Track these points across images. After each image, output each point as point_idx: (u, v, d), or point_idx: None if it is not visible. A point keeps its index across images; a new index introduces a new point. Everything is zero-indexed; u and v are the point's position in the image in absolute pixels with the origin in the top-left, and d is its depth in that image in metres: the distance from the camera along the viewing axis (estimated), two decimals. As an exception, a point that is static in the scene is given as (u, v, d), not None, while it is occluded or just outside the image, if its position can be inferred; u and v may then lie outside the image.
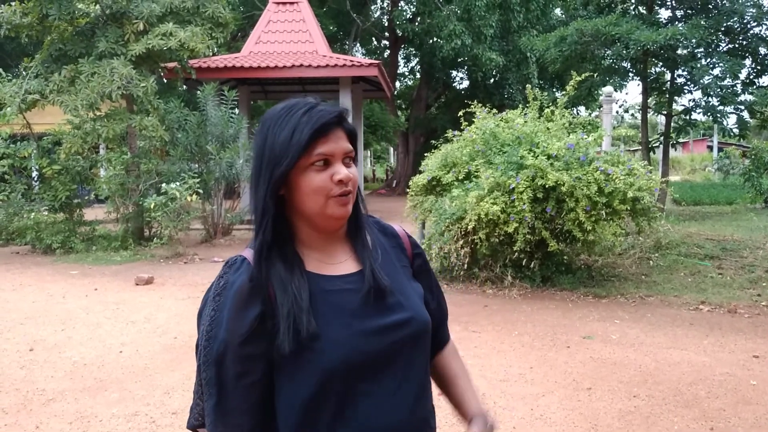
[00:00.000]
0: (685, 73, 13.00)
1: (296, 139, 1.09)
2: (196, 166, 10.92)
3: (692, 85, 12.97)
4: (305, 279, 1.12)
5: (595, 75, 13.28)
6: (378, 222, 1.32)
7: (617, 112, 18.05)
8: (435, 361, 1.35)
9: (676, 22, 12.90)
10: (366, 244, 1.21)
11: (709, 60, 12.65)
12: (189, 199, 9.64)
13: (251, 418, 1.12)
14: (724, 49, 13.07)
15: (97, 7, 9.97)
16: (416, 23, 22.62)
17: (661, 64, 13.91)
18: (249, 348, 1.09)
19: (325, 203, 1.11)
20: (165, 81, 13.74)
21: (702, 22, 11.85)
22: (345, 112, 1.15)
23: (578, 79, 7.65)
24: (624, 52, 12.28)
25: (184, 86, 15.34)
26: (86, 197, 11.13)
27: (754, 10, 12.47)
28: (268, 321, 1.09)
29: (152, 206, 9.25)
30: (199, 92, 11.08)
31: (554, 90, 24.34)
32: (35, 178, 11.40)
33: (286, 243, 1.14)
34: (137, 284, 7.42)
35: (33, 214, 10.22)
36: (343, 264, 1.19)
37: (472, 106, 7.73)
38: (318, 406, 1.10)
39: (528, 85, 8.37)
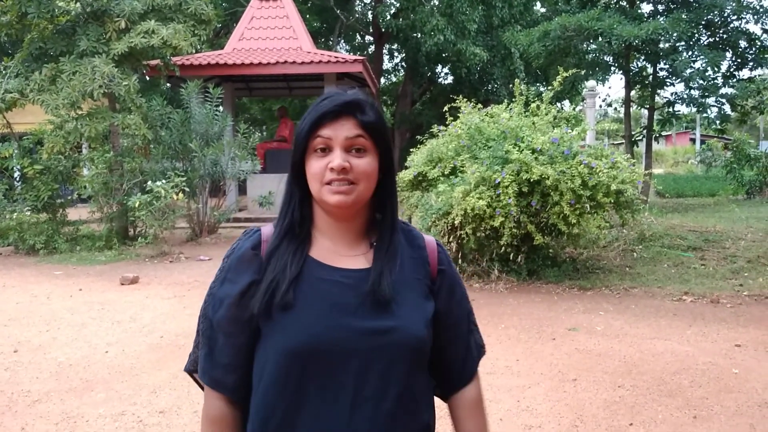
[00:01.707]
0: (667, 66, 13.14)
1: (302, 125, 1.16)
2: (180, 164, 10.85)
3: (674, 78, 13.11)
4: (302, 259, 1.16)
5: (580, 70, 13.36)
6: (410, 231, 1.29)
7: (600, 106, 18.18)
8: (449, 404, 1.30)
9: (658, 17, 13.01)
10: (386, 247, 1.19)
11: (690, 53, 12.80)
12: (175, 197, 9.58)
13: (235, 379, 1.18)
14: (705, 42, 13.22)
15: (78, 5, 9.84)
16: (400, 19, 22.58)
17: (643, 57, 14.04)
18: (238, 311, 1.15)
19: (320, 189, 1.14)
20: (148, 79, 13.62)
21: (683, 16, 11.96)
22: (356, 102, 1.15)
23: (564, 75, 7.69)
24: (606, 46, 12.38)
25: (168, 84, 15.22)
26: (69, 197, 11.02)
27: (734, 4, 12.62)
28: (256, 292, 1.15)
29: (137, 205, 9.17)
30: (182, 90, 11.00)
31: (538, 84, 24.44)
32: (17, 179, 11.26)
33: (302, 225, 1.19)
34: (122, 284, 7.36)
35: (15, 214, 10.09)
36: (352, 258, 1.18)
37: (457, 101, 7.76)
38: (278, 392, 1.11)
39: (516, 81, 8.39)
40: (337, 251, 1.18)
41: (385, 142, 1.18)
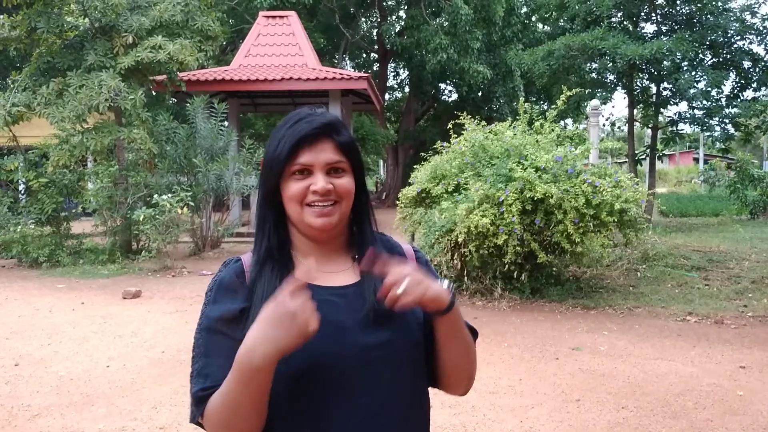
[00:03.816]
0: (670, 85, 13.20)
1: (279, 150, 1.13)
2: (185, 178, 10.89)
3: (678, 98, 13.17)
4: None
5: (584, 89, 13.43)
6: (388, 240, 1.30)
7: (604, 125, 18.25)
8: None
9: (661, 37, 13.10)
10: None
11: (693, 73, 12.86)
12: (180, 211, 9.60)
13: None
14: (709, 63, 13.29)
15: (86, 20, 9.97)
16: (404, 37, 22.77)
17: (646, 77, 14.11)
18: (234, 328, 1.11)
19: (301, 211, 1.13)
20: (154, 94, 13.73)
21: (687, 36, 12.04)
22: (332, 124, 1.15)
23: (568, 94, 7.72)
24: (610, 65, 12.45)
25: (173, 99, 15.33)
26: (73, 210, 11.05)
27: (737, 25, 12.71)
28: (247, 319, 1.10)
29: (141, 219, 9.20)
30: (188, 105, 11.07)
31: (541, 102, 24.56)
32: (22, 191, 11.31)
33: (282, 249, 1.17)
34: (125, 298, 7.35)
35: (19, 227, 10.12)
36: (337, 275, 1.19)
37: (461, 118, 7.78)
38: (292, 412, 1.10)
39: (521, 99, 8.44)
40: (321, 269, 1.18)
41: (360, 159, 1.19)
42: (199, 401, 1.10)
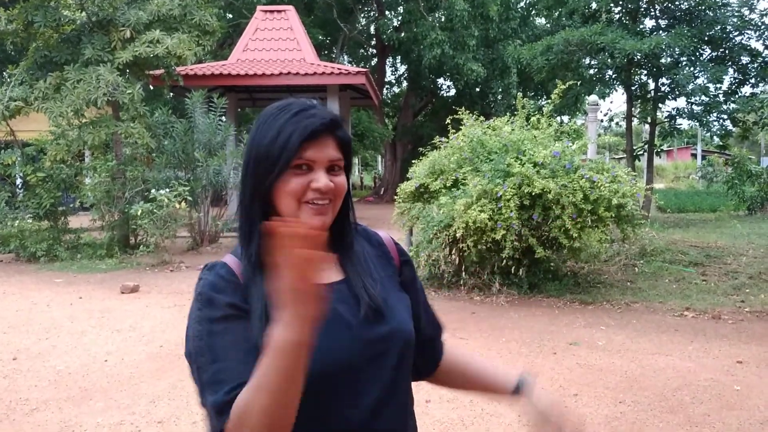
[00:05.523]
0: (669, 81, 13.20)
1: (282, 143, 1.07)
2: (183, 173, 10.88)
3: (676, 93, 13.17)
4: None
5: (580, 84, 13.42)
6: (365, 229, 1.29)
7: (602, 120, 18.27)
8: (439, 370, 1.34)
9: (660, 32, 13.08)
10: (352, 256, 1.18)
11: (692, 68, 12.86)
12: (178, 206, 9.59)
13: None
14: (707, 58, 13.28)
15: (83, 14, 9.93)
16: (402, 32, 22.73)
17: (645, 72, 14.10)
18: (239, 318, 1.05)
19: (297, 208, 1.09)
20: (151, 88, 13.69)
21: (685, 32, 12.03)
22: (337, 120, 1.13)
23: (563, 87, 7.71)
24: (609, 61, 12.44)
25: (171, 93, 15.28)
26: (71, 205, 11.03)
27: (736, 20, 12.70)
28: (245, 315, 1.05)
29: (139, 213, 9.19)
30: (186, 99, 11.05)
31: (538, 98, 24.57)
32: (19, 186, 11.29)
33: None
34: (122, 292, 7.35)
35: (17, 221, 10.10)
36: (324, 272, 1.17)
37: (459, 113, 7.78)
38: (302, 410, 1.02)
39: (519, 95, 8.44)
40: None
41: (351, 158, 1.18)
42: (224, 407, 0.97)
